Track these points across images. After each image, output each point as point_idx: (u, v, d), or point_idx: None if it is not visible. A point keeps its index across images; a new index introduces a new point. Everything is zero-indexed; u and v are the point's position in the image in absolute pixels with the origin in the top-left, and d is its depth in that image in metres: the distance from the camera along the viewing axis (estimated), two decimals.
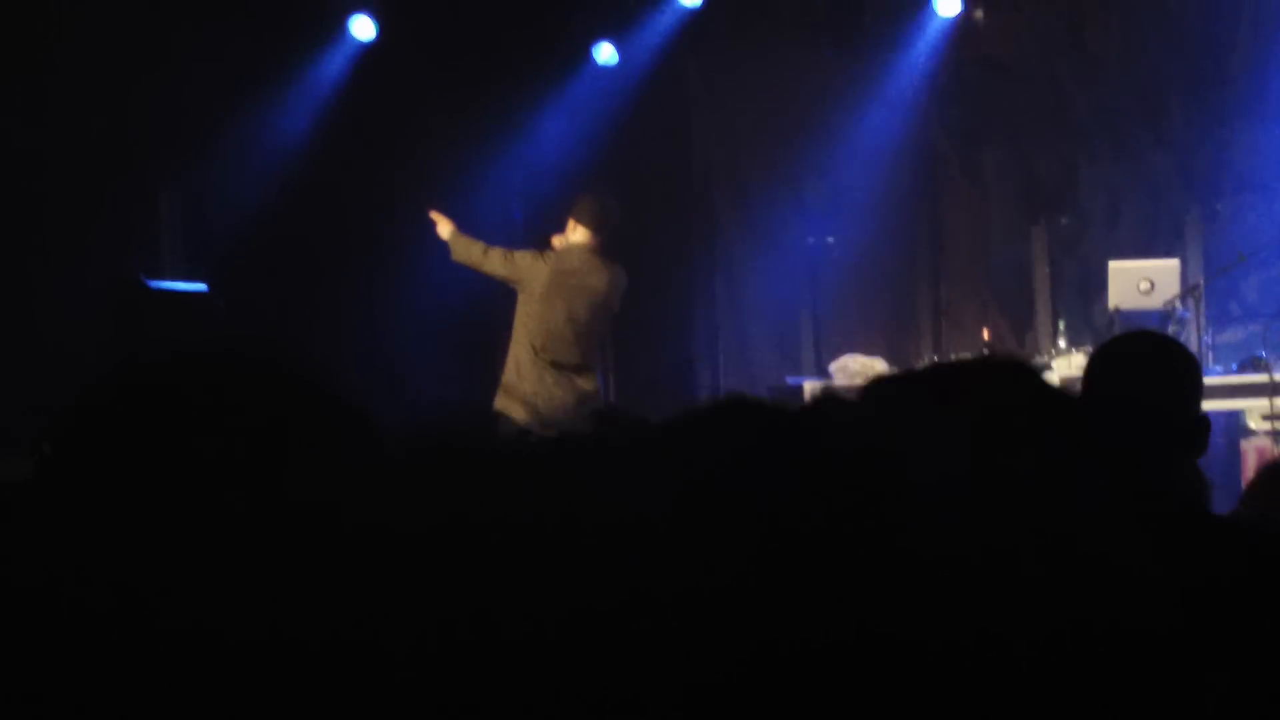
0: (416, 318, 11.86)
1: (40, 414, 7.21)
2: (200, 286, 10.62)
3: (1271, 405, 9.52)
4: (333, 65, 11.92)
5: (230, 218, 11.51)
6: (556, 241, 9.50)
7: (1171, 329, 10.06)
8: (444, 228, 9.68)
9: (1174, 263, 10.40)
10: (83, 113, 10.63)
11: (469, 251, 9.55)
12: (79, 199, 10.76)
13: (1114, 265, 10.36)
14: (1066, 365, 9.82)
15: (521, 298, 9.46)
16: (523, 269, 9.37)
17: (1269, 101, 11.29)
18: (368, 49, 11.90)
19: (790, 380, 10.77)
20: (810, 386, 10.21)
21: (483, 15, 11.72)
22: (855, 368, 10.25)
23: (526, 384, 9.34)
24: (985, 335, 10.78)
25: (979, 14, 11.78)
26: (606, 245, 9.46)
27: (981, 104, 12.24)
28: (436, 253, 11.82)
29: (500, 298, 10.03)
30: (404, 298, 11.93)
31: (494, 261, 9.48)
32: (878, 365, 10.35)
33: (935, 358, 10.95)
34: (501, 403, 9.42)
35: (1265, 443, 9.63)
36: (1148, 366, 3.62)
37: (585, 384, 9.46)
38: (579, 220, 9.39)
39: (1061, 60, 12.03)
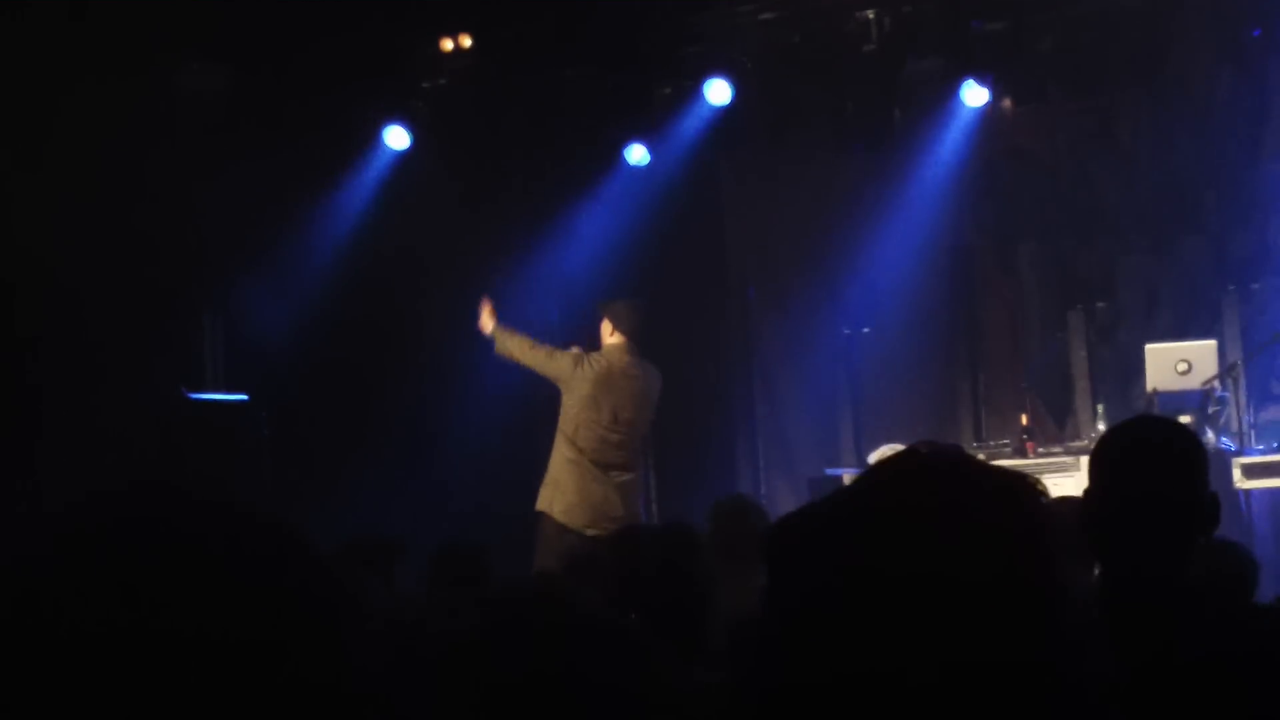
0: (457, 423, 11.91)
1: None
2: (241, 397, 10.71)
3: None
4: (368, 176, 12.07)
5: (271, 330, 11.62)
6: (603, 339, 9.59)
7: (1211, 409, 10.02)
8: (487, 321, 9.71)
9: (1211, 343, 10.36)
10: (125, 233, 10.76)
11: (514, 345, 9.62)
12: (123, 316, 10.88)
13: (1150, 348, 10.33)
14: None
15: (565, 399, 9.55)
16: (566, 370, 9.47)
17: None
18: (402, 158, 12.05)
19: (829, 472, 10.75)
20: (849, 478, 10.17)
21: (512, 121, 11.87)
22: None
23: (570, 485, 9.42)
24: (1024, 421, 10.74)
25: (1007, 104, 11.83)
26: (639, 345, 9.57)
27: (1014, 197, 12.30)
28: (476, 357, 11.91)
29: (541, 399, 10.09)
30: (444, 403, 11.99)
31: (539, 357, 9.56)
32: None
33: (975, 445, 10.92)
34: (544, 502, 9.48)
35: None
36: (1148, 454, 3.62)
37: (627, 482, 9.57)
38: (616, 324, 9.52)
39: (1093, 152, 12.08)
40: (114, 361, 10.73)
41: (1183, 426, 3.93)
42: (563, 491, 9.42)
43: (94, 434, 10.32)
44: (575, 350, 9.58)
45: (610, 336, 9.56)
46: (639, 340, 9.58)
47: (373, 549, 6.29)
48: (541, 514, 9.46)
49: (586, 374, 9.43)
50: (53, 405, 10.44)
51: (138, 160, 10.69)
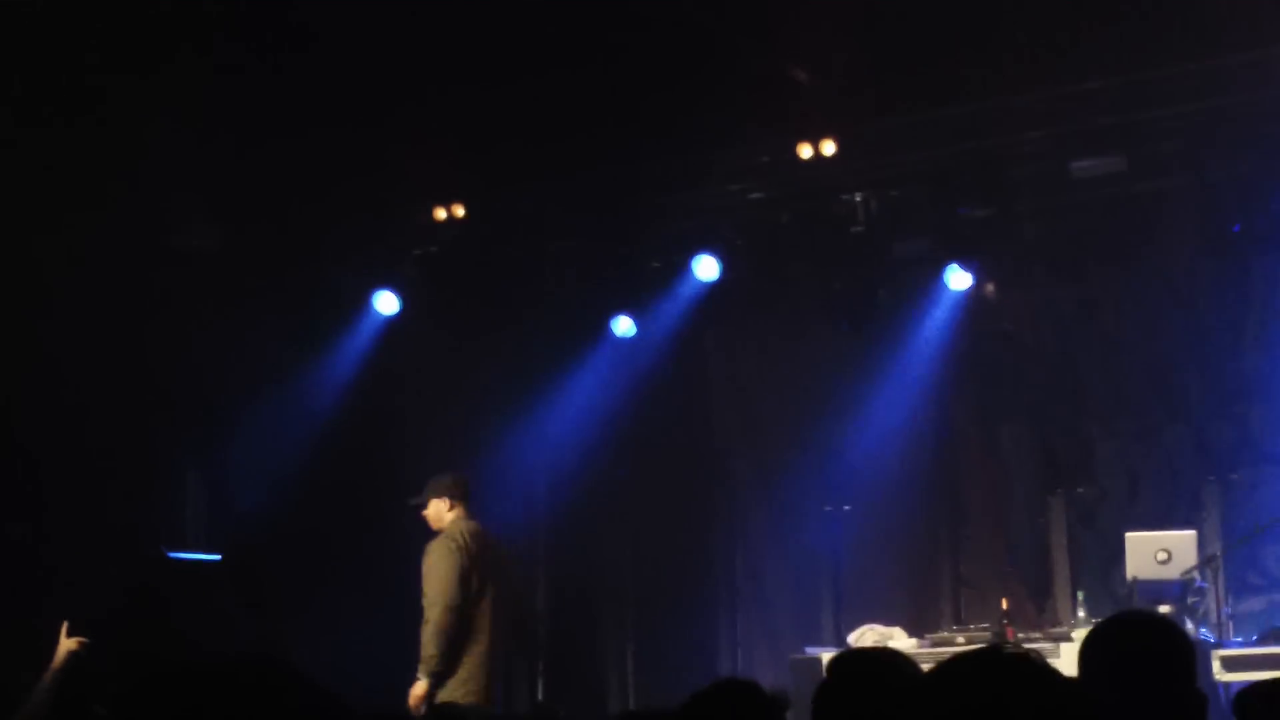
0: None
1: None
2: (214, 557, 10.75)
3: None
4: (357, 341, 12.12)
5: (254, 492, 11.60)
6: (440, 520, 9.42)
7: (1190, 599, 10.01)
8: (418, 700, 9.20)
9: (1190, 533, 10.37)
10: (114, 392, 10.79)
11: (433, 647, 9.22)
12: (111, 476, 10.88)
13: (1131, 536, 10.34)
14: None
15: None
16: (452, 584, 9.21)
17: None
18: (390, 323, 12.11)
19: (809, 650, 10.69)
20: (827, 657, 10.12)
21: (501, 290, 11.95)
22: (873, 638, 10.18)
23: (463, 669, 9.22)
24: (1004, 605, 10.71)
25: (990, 288, 11.95)
26: (474, 514, 9.45)
27: (998, 379, 12.36)
28: None
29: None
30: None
31: (442, 613, 9.20)
32: (896, 635, 10.29)
33: (954, 628, 10.89)
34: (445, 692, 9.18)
35: None
36: (1139, 651, 3.62)
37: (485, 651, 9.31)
38: (445, 497, 9.42)
39: (1076, 337, 12.18)
40: (100, 520, 10.71)
41: (1175, 627, 3.91)
42: (456, 677, 9.17)
43: (79, 588, 10.28)
44: (429, 549, 9.33)
45: (449, 511, 9.42)
46: (468, 503, 9.44)
47: None
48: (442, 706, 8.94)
49: (449, 557, 9.20)
50: (30, 552, 10.43)
51: (128, 318, 10.75)
